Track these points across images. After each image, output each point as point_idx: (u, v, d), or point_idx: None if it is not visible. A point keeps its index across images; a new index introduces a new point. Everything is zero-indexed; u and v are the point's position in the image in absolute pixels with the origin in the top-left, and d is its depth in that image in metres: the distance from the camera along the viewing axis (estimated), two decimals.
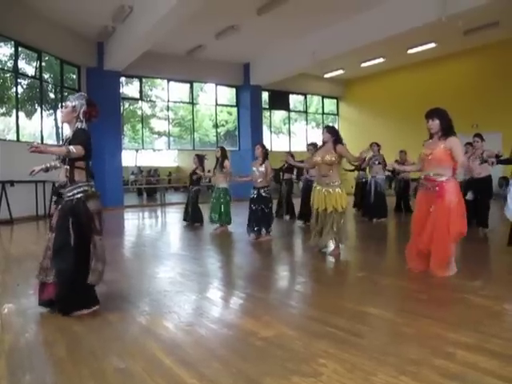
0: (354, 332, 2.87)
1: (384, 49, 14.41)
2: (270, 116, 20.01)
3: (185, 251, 6.66)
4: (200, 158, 9.21)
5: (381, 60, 16.41)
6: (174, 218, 12.06)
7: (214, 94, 18.16)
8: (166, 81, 16.99)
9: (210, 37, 13.51)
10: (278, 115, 20.84)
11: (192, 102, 17.88)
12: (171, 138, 18.68)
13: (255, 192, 7.09)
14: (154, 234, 9.15)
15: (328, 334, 2.83)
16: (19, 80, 11.98)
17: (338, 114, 21.94)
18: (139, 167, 24.15)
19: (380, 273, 4.68)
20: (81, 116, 3.41)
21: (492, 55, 15.29)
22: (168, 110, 17.94)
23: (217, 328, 3.08)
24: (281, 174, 10.26)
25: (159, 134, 20.03)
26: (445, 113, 4.35)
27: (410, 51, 15.18)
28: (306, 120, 21.14)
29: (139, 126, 17.68)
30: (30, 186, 10.56)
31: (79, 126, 3.40)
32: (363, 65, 17.10)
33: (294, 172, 10.09)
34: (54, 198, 3.52)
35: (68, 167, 3.32)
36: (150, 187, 21.58)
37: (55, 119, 13.60)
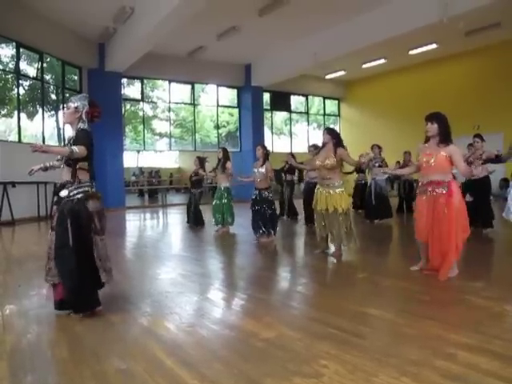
0: (355, 333, 2.87)
1: (385, 50, 14.42)
2: (272, 117, 20.04)
3: (186, 252, 6.66)
4: (201, 160, 9.21)
5: (382, 61, 16.43)
6: (175, 219, 12.08)
7: (215, 95, 18.19)
8: (167, 82, 17.03)
9: (212, 38, 13.54)
10: (280, 116, 20.87)
11: (193, 103, 17.92)
12: (172, 139, 18.71)
13: (256, 193, 7.10)
14: (155, 235, 9.15)
15: (329, 335, 2.83)
16: (21, 81, 12.01)
17: (339, 115, 21.96)
18: (140, 168, 24.17)
19: (381, 274, 4.67)
20: (83, 117, 3.42)
21: (493, 56, 15.29)
22: (169, 111, 17.97)
23: (218, 329, 3.08)
24: (282, 174, 10.26)
25: (160, 135, 20.07)
26: (444, 118, 4.35)
27: (412, 52, 15.20)
28: (308, 121, 21.16)
29: (141, 127, 17.70)
30: (31, 187, 10.59)
31: (82, 127, 3.40)
32: (365, 66, 17.11)
33: (296, 173, 10.09)
34: (56, 198, 3.53)
35: (71, 168, 3.32)
36: (152, 188, 21.62)
37: (57, 120, 13.63)
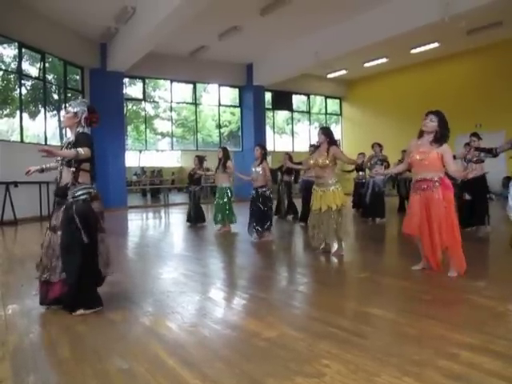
0: (356, 332, 2.86)
1: (387, 49, 14.39)
2: (273, 116, 20.03)
3: (188, 252, 6.67)
4: (200, 159, 9.37)
5: (384, 60, 16.40)
6: (177, 218, 12.09)
7: (217, 94, 18.18)
8: (169, 81, 17.03)
9: (213, 37, 13.54)
10: (281, 115, 20.86)
11: (195, 103, 17.92)
12: (174, 139, 18.71)
13: (254, 192, 7.18)
14: (157, 234, 9.17)
15: (331, 335, 2.83)
16: (23, 81, 12.01)
17: (341, 115, 21.94)
18: (142, 168, 24.19)
19: (382, 273, 4.67)
20: (82, 122, 3.49)
21: (495, 55, 15.24)
22: (171, 110, 17.97)
23: (220, 328, 3.08)
24: (279, 174, 10.27)
25: (162, 134, 20.07)
26: (445, 120, 4.35)
27: (413, 51, 15.17)
28: (309, 120, 21.15)
29: (142, 126, 17.71)
30: (33, 186, 10.60)
31: (81, 131, 3.48)
32: (366, 65, 17.10)
33: (293, 174, 10.08)
34: (57, 199, 3.56)
35: (74, 169, 3.36)
36: (154, 188, 21.64)
37: (59, 120, 13.63)
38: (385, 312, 3.32)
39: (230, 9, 11.35)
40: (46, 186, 10.98)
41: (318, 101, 21.63)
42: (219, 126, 18.70)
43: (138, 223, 11.58)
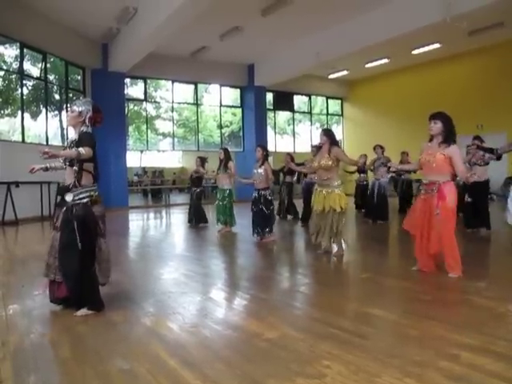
0: (358, 333, 2.86)
1: (388, 49, 14.38)
2: (275, 117, 20.01)
3: (189, 252, 6.67)
4: (202, 160, 9.36)
5: (385, 60, 16.38)
6: (178, 218, 12.09)
7: (218, 94, 18.19)
8: (170, 82, 17.03)
9: (215, 38, 13.54)
10: (283, 116, 20.84)
11: (196, 103, 17.93)
12: (176, 139, 18.71)
13: (256, 193, 7.17)
14: (158, 234, 9.17)
15: (332, 336, 2.83)
16: (24, 81, 12.03)
17: (342, 115, 21.92)
18: (144, 168, 24.21)
19: (384, 274, 4.67)
20: (86, 121, 3.48)
21: (496, 56, 15.22)
22: (172, 111, 17.96)
23: (221, 329, 3.08)
24: (280, 175, 10.27)
25: (164, 134, 20.09)
26: (448, 118, 4.35)
27: (415, 52, 15.15)
28: (311, 121, 21.14)
29: (144, 127, 17.70)
30: (35, 186, 10.62)
31: (85, 130, 3.46)
32: (368, 65, 17.07)
33: (296, 175, 10.07)
34: (59, 200, 3.56)
35: (76, 169, 3.35)
36: (155, 188, 21.64)
37: (60, 120, 13.66)
38: (386, 313, 3.32)
39: (231, 9, 11.35)
40: (47, 185, 10.99)
41: (319, 101, 21.61)
42: (220, 127, 18.71)
43: (139, 223, 11.59)
